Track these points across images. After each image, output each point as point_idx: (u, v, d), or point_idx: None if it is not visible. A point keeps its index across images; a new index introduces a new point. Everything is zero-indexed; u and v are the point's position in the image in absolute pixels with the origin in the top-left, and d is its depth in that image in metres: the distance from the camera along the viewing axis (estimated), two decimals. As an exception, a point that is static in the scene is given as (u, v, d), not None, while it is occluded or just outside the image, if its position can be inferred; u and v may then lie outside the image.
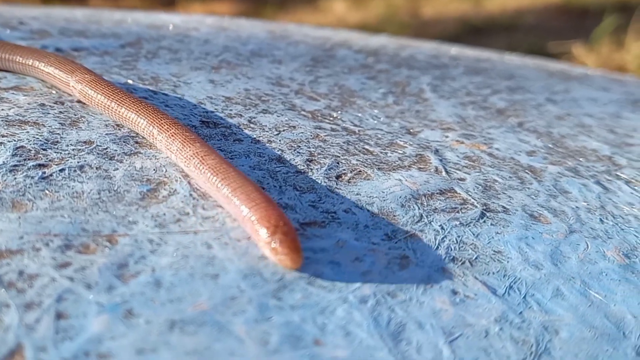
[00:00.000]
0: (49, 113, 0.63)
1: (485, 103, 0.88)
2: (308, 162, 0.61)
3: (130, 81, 0.74)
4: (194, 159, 0.54)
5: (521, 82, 1.01)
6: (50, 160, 0.54)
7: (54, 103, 0.65)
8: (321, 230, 0.50)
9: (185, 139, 0.56)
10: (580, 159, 0.72)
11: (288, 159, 0.61)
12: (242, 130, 0.66)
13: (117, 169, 0.55)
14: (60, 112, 0.63)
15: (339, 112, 0.76)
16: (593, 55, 3.25)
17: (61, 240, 0.45)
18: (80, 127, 0.61)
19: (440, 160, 0.66)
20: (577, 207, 0.61)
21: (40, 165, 0.53)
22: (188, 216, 0.50)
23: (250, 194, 0.50)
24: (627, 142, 0.80)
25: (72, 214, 0.48)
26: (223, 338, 0.39)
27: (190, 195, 0.52)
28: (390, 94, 0.86)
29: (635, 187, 0.67)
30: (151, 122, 0.59)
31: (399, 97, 0.85)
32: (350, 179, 0.60)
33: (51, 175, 0.52)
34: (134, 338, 0.38)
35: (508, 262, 0.51)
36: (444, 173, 0.64)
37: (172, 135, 0.57)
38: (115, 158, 0.56)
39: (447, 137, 0.73)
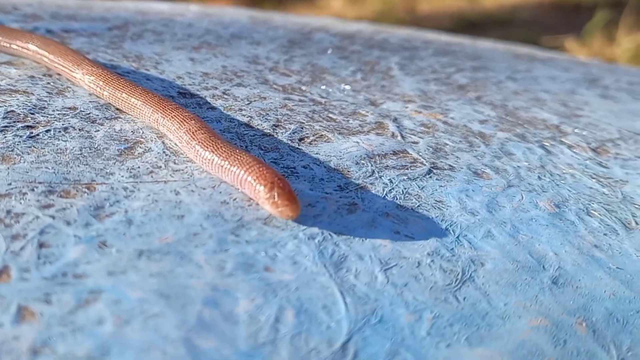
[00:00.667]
0: (37, 84, 0.70)
1: (448, 80, 0.95)
2: (274, 127, 0.69)
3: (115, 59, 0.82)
4: (186, 135, 0.59)
5: (486, 63, 1.08)
6: (37, 123, 0.61)
7: (43, 75, 0.72)
8: None
9: (182, 118, 0.62)
10: (529, 127, 0.79)
11: (256, 124, 0.68)
12: (216, 101, 0.73)
13: (98, 130, 0.62)
14: (48, 83, 0.70)
15: (309, 86, 0.83)
16: (585, 49, 3.32)
17: (45, 187, 0.52)
18: (66, 96, 0.68)
19: (398, 127, 0.73)
20: (518, 166, 0.68)
21: (28, 127, 0.61)
22: (160, 169, 0.57)
23: (242, 158, 0.55)
24: (576, 114, 0.87)
25: (55, 166, 0.55)
26: (184, 264, 0.46)
27: (164, 152, 0.60)
28: (359, 72, 0.93)
29: (576, 151, 0.74)
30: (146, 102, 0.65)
31: (367, 74, 0.92)
32: (312, 141, 0.67)
33: (38, 135, 0.59)
34: (106, 263, 0.46)
35: (447, 209, 0.58)
36: (399, 137, 0.71)
37: (172, 117, 0.62)
38: (97, 122, 0.64)
39: (407, 107, 0.80)
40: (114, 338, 0.38)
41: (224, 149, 0.57)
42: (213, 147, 0.57)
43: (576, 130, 0.80)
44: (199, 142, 0.58)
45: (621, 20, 3.50)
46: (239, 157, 0.55)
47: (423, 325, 0.44)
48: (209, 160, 0.57)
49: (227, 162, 0.56)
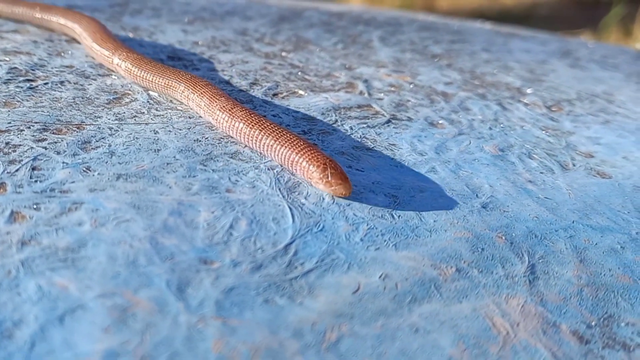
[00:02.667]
0: (39, 47, 0.79)
1: (424, 50, 1.03)
2: (251, 85, 0.78)
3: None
4: (237, 122, 0.62)
5: (465, 37, 1.16)
6: (37, 77, 0.71)
7: (45, 40, 0.82)
8: None
9: (228, 103, 0.64)
10: (491, 89, 0.88)
11: (235, 82, 0.77)
12: (201, 63, 0.83)
13: (91, 84, 0.71)
14: (49, 46, 0.80)
15: (290, 53, 0.92)
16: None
17: (40, 126, 0.62)
18: (65, 57, 0.78)
19: (366, 86, 0.82)
20: (472, 119, 0.77)
21: (29, 80, 0.70)
22: (143, 114, 0.66)
23: (295, 143, 0.58)
24: (540, 79, 0.95)
25: (50, 110, 0.64)
26: (156, 185, 0.55)
27: (148, 102, 0.69)
28: (341, 43, 1.02)
29: (531, 108, 0.82)
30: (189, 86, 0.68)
31: (348, 45, 1.01)
32: (284, 96, 0.76)
33: (37, 86, 0.69)
34: (88, 182, 0.55)
35: (398, 150, 0.67)
36: (366, 94, 0.79)
37: (212, 99, 0.66)
38: (91, 77, 0.73)
39: (379, 71, 0.88)
40: (90, 235, 0.47)
41: (274, 131, 0.60)
42: (263, 129, 0.61)
43: (536, 92, 0.88)
44: (246, 122, 0.62)
45: (638, 14, 3.54)
46: (290, 140, 0.58)
47: (358, 234, 0.52)
48: (258, 140, 0.61)
49: (278, 144, 0.59)
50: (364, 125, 0.67)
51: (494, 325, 0.43)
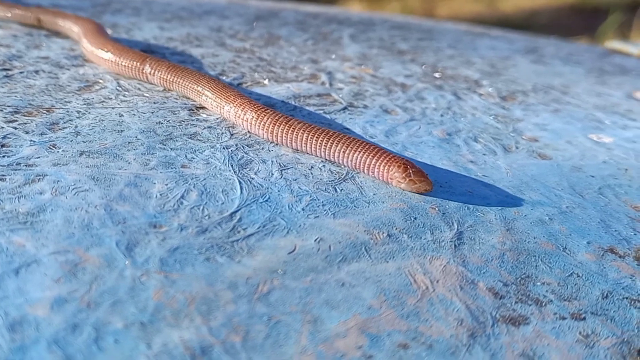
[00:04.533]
0: (18, 41, 0.85)
1: (391, 47, 1.09)
2: (219, 75, 0.83)
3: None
4: (314, 136, 0.64)
5: (434, 35, 1.21)
6: (13, 67, 0.76)
7: (25, 34, 0.87)
8: (208, 110, 0.72)
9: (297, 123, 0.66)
10: (449, 81, 0.93)
11: (204, 72, 0.82)
12: (173, 56, 0.88)
13: (64, 73, 0.77)
14: (28, 40, 0.85)
15: (261, 49, 0.97)
16: (599, 51, 3.42)
17: (12, 109, 0.67)
18: (42, 49, 0.83)
19: (329, 78, 0.87)
20: (426, 107, 0.82)
21: (5, 69, 0.75)
22: (111, 100, 0.72)
23: (368, 148, 0.61)
24: (499, 73, 1.00)
25: (23, 96, 0.70)
26: (116, 160, 0.61)
27: (116, 89, 0.74)
28: (312, 39, 1.07)
29: (485, 98, 0.88)
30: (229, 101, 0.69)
31: (318, 41, 1.06)
32: (248, 85, 0.81)
33: (12, 75, 0.74)
34: (53, 158, 0.60)
35: (351, 134, 0.72)
36: (327, 85, 0.85)
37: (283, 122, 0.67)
38: (65, 67, 0.79)
39: (343, 65, 0.94)
40: (50, 202, 0.53)
41: (344, 139, 0.62)
42: (338, 139, 0.63)
43: (493, 84, 0.93)
44: (322, 134, 0.64)
45: (635, 21, 3.58)
46: (363, 146, 0.61)
47: (300, 204, 0.57)
48: (334, 151, 0.63)
49: (351, 151, 0.62)
50: (321, 111, 0.72)
51: (415, 281, 0.48)
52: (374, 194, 0.58)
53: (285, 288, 0.45)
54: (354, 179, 0.60)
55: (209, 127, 0.65)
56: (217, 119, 0.67)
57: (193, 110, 0.68)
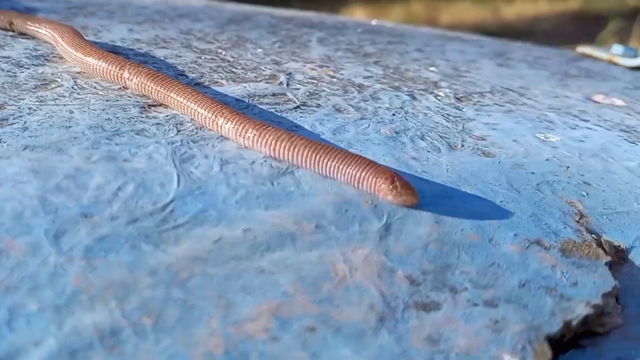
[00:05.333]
0: None
1: (358, 50, 1.11)
2: (177, 75, 0.85)
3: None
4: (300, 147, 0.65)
5: (404, 39, 1.23)
6: None
7: None
8: (160, 107, 0.74)
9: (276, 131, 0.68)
10: (408, 82, 0.95)
11: (162, 72, 0.85)
12: (135, 57, 0.90)
13: (23, 72, 0.79)
14: None
15: (226, 50, 0.99)
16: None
17: None
18: (5, 49, 0.86)
19: (288, 78, 0.90)
20: (379, 107, 0.84)
21: None
22: (64, 97, 0.74)
23: (357, 161, 0.61)
24: (460, 75, 1.02)
25: None
26: (59, 154, 0.63)
27: (72, 87, 0.77)
28: (280, 42, 1.10)
29: (440, 99, 0.90)
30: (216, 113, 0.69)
31: (286, 44, 1.09)
32: (206, 85, 0.83)
33: None
34: None
35: (299, 131, 0.73)
36: (284, 85, 0.87)
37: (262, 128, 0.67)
38: (24, 66, 0.81)
39: (305, 66, 0.96)
40: None
41: (331, 151, 0.62)
42: (322, 150, 0.65)
43: (451, 85, 0.95)
44: (306, 144, 0.66)
45: (635, 27, 3.60)
46: (351, 158, 0.61)
47: (235, 197, 0.59)
48: (318, 162, 0.65)
49: (340, 164, 0.62)
50: (273, 110, 0.75)
51: (334, 269, 0.51)
52: (309, 188, 0.60)
53: (205, 275, 0.47)
54: (293, 174, 0.62)
55: (157, 124, 0.67)
56: (167, 116, 0.69)
57: (145, 108, 0.70)
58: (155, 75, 0.72)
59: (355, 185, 0.61)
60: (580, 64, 1.23)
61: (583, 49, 1.38)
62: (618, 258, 0.58)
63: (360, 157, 0.62)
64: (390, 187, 0.59)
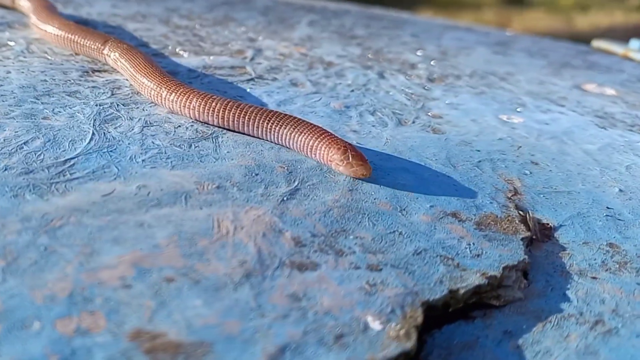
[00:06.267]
0: None
1: (347, 32, 1.09)
2: (139, 45, 0.85)
3: None
4: (259, 116, 0.64)
5: (403, 25, 1.20)
6: None
7: None
8: (104, 73, 0.73)
9: (235, 105, 0.65)
10: (383, 63, 0.93)
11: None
12: (105, 28, 0.90)
13: None
14: None
15: (205, 27, 0.98)
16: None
17: None
18: None
19: (255, 53, 0.88)
20: (340, 83, 0.82)
21: None
22: (8, 60, 0.74)
23: (311, 130, 0.61)
24: (446, 59, 0.99)
25: None
26: None
27: (22, 51, 0.77)
28: (266, 23, 1.09)
29: (410, 79, 0.87)
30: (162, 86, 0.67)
31: (271, 24, 1.08)
32: (165, 56, 0.83)
33: None
34: None
35: (243, 100, 0.73)
36: (248, 59, 0.86)
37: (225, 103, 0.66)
38: None
39: (280, 44, 0.95)
40: None
41: (290, 120, 0.62)
42: (279, 119, 0.63)
43: (429, 67, 0.92)
44: (260, 113, 0.64)
45: None
46: (307, 128, 0.61)
47: (143, 157, 0.58)
48: (276, 131, 0.63)
49: (297, 133, 0.61)
50: (223, 81, 0.73)
51: (218, 226, 0.49)
52: (227, 152, 0.58)
53: (79, 224, 0.46)
54: (217, 139, 0.60)
55: (93, 87, 0.67)
56: (107, 80, 0.68)
57: (88, 72, 0.69)
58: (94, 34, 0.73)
59: (309, 154, 0.60)
60: (590, 57, 1.18)
61: (599, 43, 1.33)
62: (542, 235, 0.55)
63: (315, 126, 0.61)
64: (342, 157, 0.58)
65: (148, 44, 0.80)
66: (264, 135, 0.62)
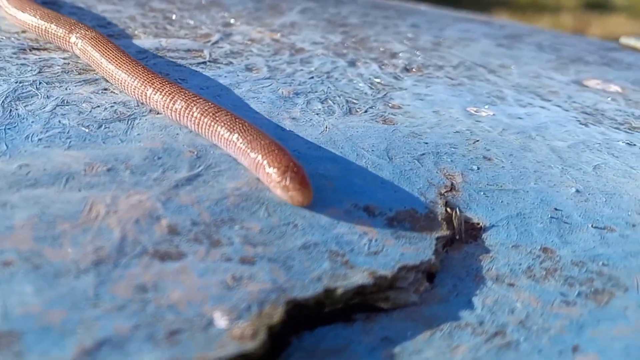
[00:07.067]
0: None
1: (339, 21, 1.03)
2: (99, 26, 0.81)
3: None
4: (204, 117, 0.57)
5: (406, 16, 1.15)
6: None
7: None
8: (42, 52, 0.72)
9: (188, 98, 0.59)
10: (362, 51, 0.88)
11: (86, 24, 0.81)
12: (71, 9, 0.87)
13: None
14: None
15: (182, 11, 0.95)
16: None
17: None
18: None
19: (221, 37, 0.84)
20: (301, 69, 0.77)
21: None
22: None
23: (262, 142, 0.52)
24: (436, 50, 0.93)
25: None
26: None
27: None
28: (255, 9, 1.04)
29: (384, 68, 0.82)
30: (145, 82, 0.61)
31: (258, 11, 1.03)
32: (121, 37, 0.79)
33: None
34: None
35: (184, 84, 0.69)
36: (210, 43, 0.82)
37: (171, 94, 0.59)
38: None
39: (255, 29, 0.91)
40: None
41: (245, 131, 0.54)
42: (233, 128, 0.55)
43: (412, 57, 0.87)
44: (222, 123, 0.56)
45: None
46: (257, 141, 0.53)
47: (42, 135, 0.54)
48: (227, 140, 0.55)
49: (244, 145, 0.54)
50: (171, 63, 0.70)
51: (90, 210, 0.45)
52: (138, 134, 0.55)
53: None
54: (134, 121, 0.57)
55: (22, 65, 0.64)
56: (39, 59, 0.65)
57: (25, 50, 0.66)
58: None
59: (254, 171, 0.53)
60: (613, 53, 1.11)
61: (627, 40, 1.25)
62: (468, 236, 0.49)
63: (263, 135, 0.54)
64: (280, 177, 0.50)
65: (109, 27, 0.77)
66: (174, 116, 0.58)
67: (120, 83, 0.59)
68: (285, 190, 0.49)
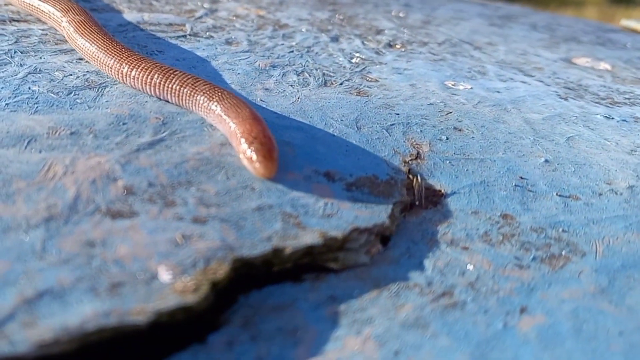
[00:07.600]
0: None
1: (335, 4, 1.04)
2: (86, 2, 0.83)
3: None
4: (184, 87, 0.56)
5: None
6: None
7: None
8: (23, 23, 0.72)
9: (165, 71, 0.58)
10: (348, 28, 0.88)
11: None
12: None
13: None
14: None
15: None
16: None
17: None
18: None
19: (206, 14, 0.85)
20: (282, 44, 0.77)
21: None
22: None
23: (239, 111, 0.52)
24: (424, 27, 0.93)
25: None
26: None
27: None
28: None
29: (367, 43, 0.82)
30: (120, 59, 0.61)
31: None
32: (105, 11, 0.80)
33: None
34: None
35: (162, 55, 0.69)
36: (194, 19, 0.83)
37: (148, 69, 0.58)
38: None
39: (242, 7, 0.91)
40: None
41: (226, 99, 0.54)
42: (214, 95, 0.55)
43: (397, 34, 0.87)
44: (202, 92, 0.56)
45: None
46: (235, 109, 0.52)
47: (11, 100, 0.55)
48: (206, 107, 0.55)
49: (223, 112, 0.53)
50: (150, 36, 0.70)
51: (47, 171, 0.46)
52: (106, 101, 0.55)
53: None
54: (104, 89, 0.58)
55: (1, 35, 0.64)
56: (18, 29, 0.66)
57: (5, 21, 0.67)
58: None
59: (229, 138, 0.52)
60: (610, 34, 1.10)
61: (628, 22, 1.25)
62: (428, 202, 0.49)
63: (245, 106, 0.53)
64: (247, 148, 0.49)
65: (92, 0, 0.77)
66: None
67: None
68: (249, 161, 0.48)
